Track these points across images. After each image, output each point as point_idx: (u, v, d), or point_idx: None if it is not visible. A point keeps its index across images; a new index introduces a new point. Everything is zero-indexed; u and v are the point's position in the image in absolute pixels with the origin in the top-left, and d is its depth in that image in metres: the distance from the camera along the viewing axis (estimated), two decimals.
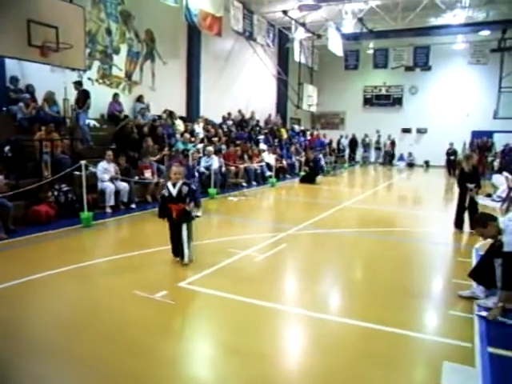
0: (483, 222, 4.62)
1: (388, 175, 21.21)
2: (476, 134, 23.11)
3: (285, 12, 17.72)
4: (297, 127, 23.75)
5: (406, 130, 26.18)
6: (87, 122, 11.27)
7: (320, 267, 6.23)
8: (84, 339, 3.77)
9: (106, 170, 9.46)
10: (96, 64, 12.79)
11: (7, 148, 8.38)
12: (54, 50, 8.07)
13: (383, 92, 26.62)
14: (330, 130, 27.17)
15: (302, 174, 16.89)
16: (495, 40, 19.63)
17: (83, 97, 10.78)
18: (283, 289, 5.41)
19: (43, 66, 9.23)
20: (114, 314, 4.31)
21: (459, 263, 6.33)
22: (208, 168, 12.44)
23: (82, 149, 10.33)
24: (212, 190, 11.84)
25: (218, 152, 13.60)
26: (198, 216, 8.74)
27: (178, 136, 13.51)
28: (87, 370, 3.31)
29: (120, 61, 13.68)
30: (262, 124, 20.89)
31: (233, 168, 14.13)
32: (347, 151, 25.77)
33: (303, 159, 17.97)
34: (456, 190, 8.84)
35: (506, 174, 11.78)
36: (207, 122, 16.42)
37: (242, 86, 20.39)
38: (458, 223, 8.38)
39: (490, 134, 22.63)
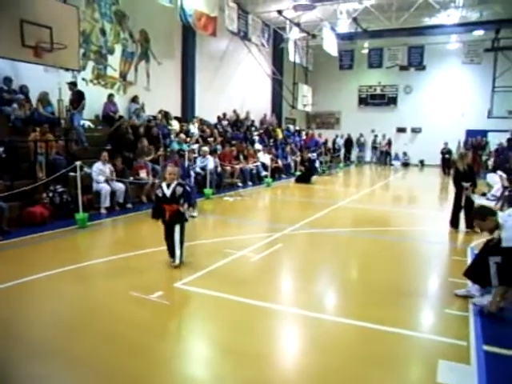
0: (482, 215, 4.65)
1: (383, 175, 21.26)
2: (470, 133, 23.22)
3: (279, 12, 17.72)
4: (291, 127, 23.77)
5: (401, 130, 26.24)
6: (82, 122, 11.22)
7: (316, 267, 6.24)
8: (82, 339, 3.76)
9: (101, 171, 9.43)
10: (90, 64, 12.73)
11: (1, 149, 8.31)
12: (47, 50, 8.06)
13: (378, 92, 26.68)
14: (326, 129, 27.22)
15: (298, 173, 16.92)
16: (489, 40, 19.72)
17: (78, 97, 10.72)
18: (279, 289, 5.41)
19: (37, 67, 9.20)
20: (111, 314, 4.30)
21: (455, 262, 6.36)
22: (203, 168, 12.43)
23: (76, 150, 10.29)
24: (207, 191, 11.83)
25: (213, 152, 13.59)
26: (193, 216, 8.77)
27: (172, 136, 13.48)
28: (86, 370, 3.31)
29: (114, 61, 13.63)
30: (257, 124, 20.90)
31: (228, 168, 14.12)
32: (342, 151, 25.81)
33: (298, 159, 17.98)
34: (451, 189, 8.87)
35: (500, 172, 11.85)
36: (202, 122, 16.41)
37: (237, 86, 20.38)
38: (454, 222, 8.41)
39: (484, 133, 22.75)
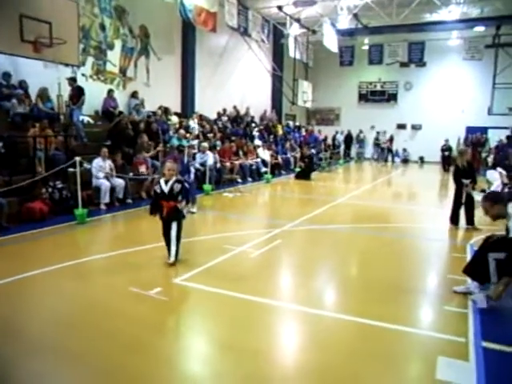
0: (493, 200, 4.65)
1: (383, 171, 21.25)
2: (471, 130, 23.18)
3: (280, 7, 17.66)
4: (291, 123, 23.74)
5: (401, 126, 26.21)
6: (81, 118, 11.20)
7: (315, 263, 6.24)
8: (81, 335, 3.76)
9: (101, 167, 9.41)
10: (90, 60, 12.70)
11: (0, 144, 8.29)
12: (47, 45, 8.02)
13: (378, 88, 26.62)
14: (326, 126, 27.18)
15: (297, 170, 16.91)
16: (490, 36, 19.68)
17: (77, 93, 10.70)
18: (278, 285, 5.41)
19: (36, 62, 9.17)
20: (110, 310, 4.30)
21: (454, 259, 6.35)
22: (203, 164, 12.41)
23: (76, 145, 10.26)
24: (207, 187, 11.82)
25: (212, 148, 13.57)
26: (192, 212, 8.77)
27: (171, 133, 13.44)
28: (85, 366, 3.31)
29: (114, 56, 13.59)
30: (257, 120, 20.86)
31: (228, 164, 14.11)
32: (342, 147, 25.78)
33: (298, 155, 17.96)
34: (451, 185, 8.86)
35: (499, 169, 11.83)
36: (202, 118, 16.38)
37: (237, 82, 20.33)
38: (454, 219, 8.40)
39: (484, 130, 22.69)
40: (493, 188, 12.24)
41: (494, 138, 21.67)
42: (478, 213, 8.49)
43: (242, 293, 4.73)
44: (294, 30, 19.98)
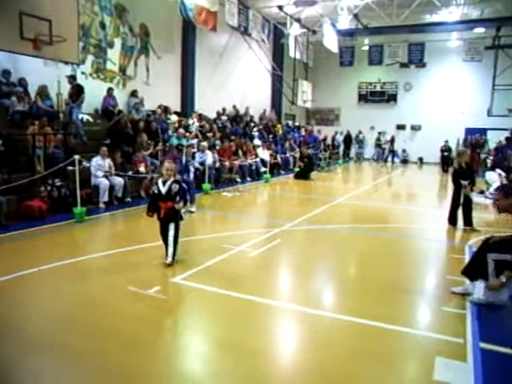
0: (507, 193, 4.61)
1: (382, 172, 21.26)
2: (470, 132, 23.20)
3: (280, 7, 17.65)
4: (290, 123, 23.73)
5: (401, 127, 26.23)
6: (81, 116, 11.19)
7: (314, 263, 6.24)
8: (79, 334, 3.76)
9: (100, 165, 9.40)
10: (90, 58, 12.68)
11: None
12: (47, 43, 8.00)
13: (378, 89, 26.65)
14: (325, 126, 27.19)
15: (297, 169, 16.90)
16: (490, 37, 19.69)
17: (77, 91, 10.68)
18: (277, 284, 5.41)
19: (36, 60, 9.15)
20: (108, 309, 4.30)
21: (453, 260, 6.35)
22: (202, 163, 12.41)
23: (75, 144, 10.26)
24: (206, 186, 11.82)
25: (212, 147, 13.56)
26: (191, 211, 8.77)
27: (170, 132, 13.43)
28: (83, 365, 3.31)
29: (114, 55, 13.58)
30: (256, 120, 20.84)
31: (227, 163, 14.10)
32: (342, 147, 25.79)
33: (297, 155, 17.96)
34: (450, 186, 8.87)
35: (498, 171, 11.87)
36: (202, 117, 16.36)
37: (237, 81, 20.32)
38: (452, 220, 8.41)
39: (484, 131, 22.72)
40: (492, 189, 12.26)
41: (494, 139, 21.69)
42: (477, 214, 8.56)
43: (240, 292, 4.73)
44: (294, 30, 19.97)
